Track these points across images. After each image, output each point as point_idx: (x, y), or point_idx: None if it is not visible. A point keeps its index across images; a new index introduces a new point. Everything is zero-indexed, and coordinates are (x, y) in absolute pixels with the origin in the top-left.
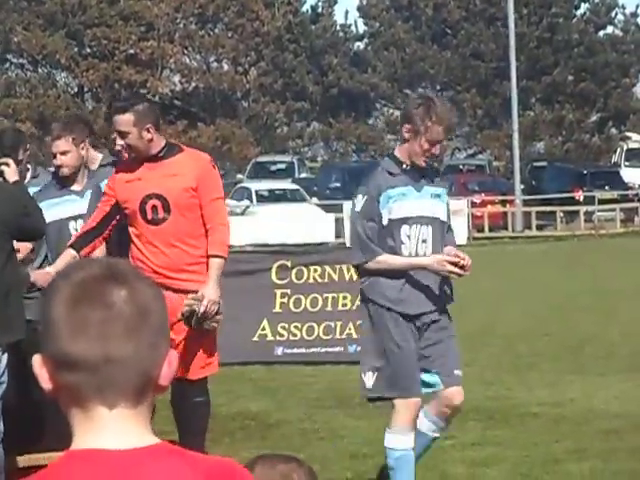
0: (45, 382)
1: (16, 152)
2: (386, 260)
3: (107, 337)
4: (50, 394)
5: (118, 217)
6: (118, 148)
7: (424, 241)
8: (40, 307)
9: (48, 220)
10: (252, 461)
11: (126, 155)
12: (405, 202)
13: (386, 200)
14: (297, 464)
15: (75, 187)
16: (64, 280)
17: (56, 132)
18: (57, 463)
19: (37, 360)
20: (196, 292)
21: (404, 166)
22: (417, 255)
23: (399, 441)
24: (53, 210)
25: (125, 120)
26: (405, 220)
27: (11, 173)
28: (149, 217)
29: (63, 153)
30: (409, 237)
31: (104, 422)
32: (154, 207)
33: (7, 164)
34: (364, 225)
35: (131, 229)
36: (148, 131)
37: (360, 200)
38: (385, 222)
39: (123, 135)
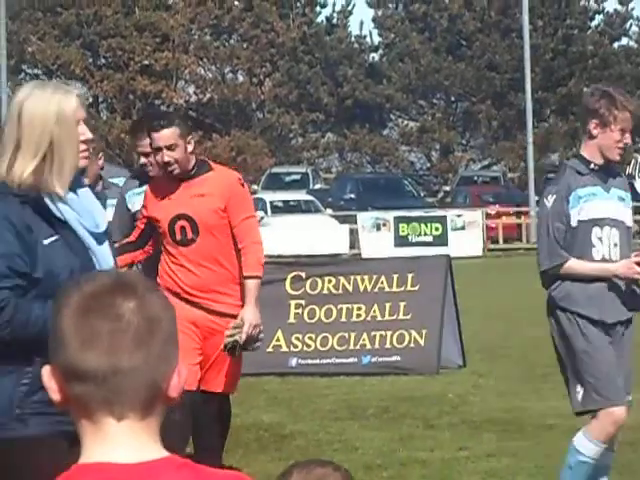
0: (54, 393)
1: None
2: (573, 266)
3: (116, 348)
4: (59, 406)
5: (154, 233)
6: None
7: (615, 245)
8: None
9: None
10: (288, 470)
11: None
12: (595, 202)
13: (576, 200)
14: (333, 467)
15: None
16: (74, 291)
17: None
18: (65, 476)
19: (46, 371)
20: (232, 316)
21: (592, 166)
22: (610, 260)
23: (587, 447)
24: None
25: (171, 133)
26: (596, 222)
27: None
28: (178, 238)
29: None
30: (601, 240)
31: (112, 434)
32: (182, 228)
33: None
34: (553, 227)
35: (163, 247)
36: (190, 143)
37: (550, 200)
38: (574, 223)
39: (171, 148)
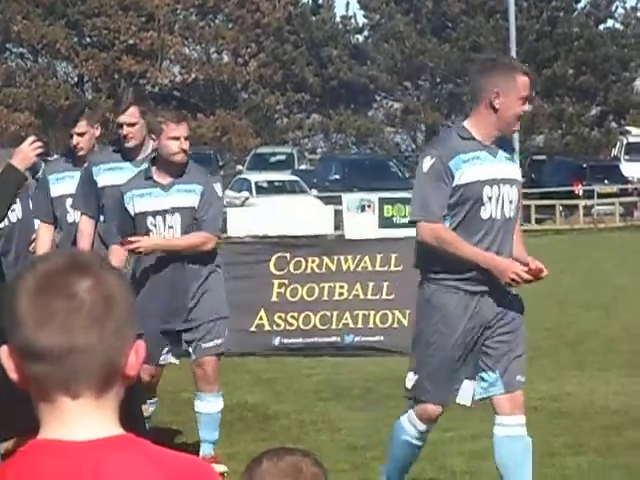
0: (12, 373)
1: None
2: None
3: (70, 327)
4: (19, 385)
5: None
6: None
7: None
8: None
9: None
10: (257, 459)
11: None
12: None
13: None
14: (302, 454)
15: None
16: (29, 271)
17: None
18: (20, 453)
19: (4, 351)
20: None
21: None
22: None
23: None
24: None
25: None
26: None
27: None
28: None
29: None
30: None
31: (67, 412)
32: None
33: None
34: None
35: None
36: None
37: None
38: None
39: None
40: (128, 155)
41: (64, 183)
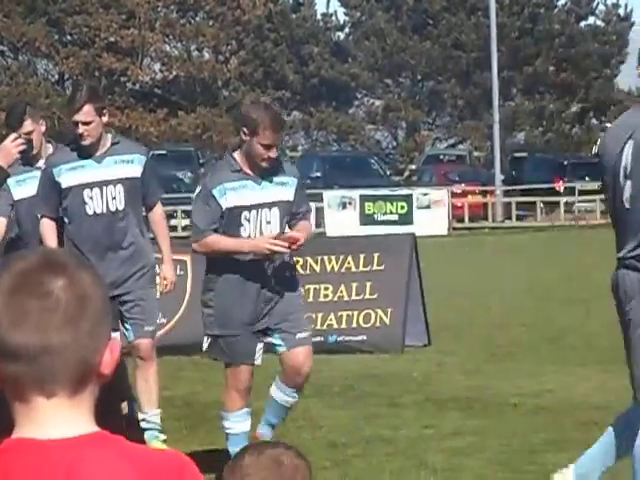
0: None
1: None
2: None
3: (45, 326)
4: None
5: None
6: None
7: (268, 222)
8: None
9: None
10: (239, 454)
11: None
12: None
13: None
14: (284, 447)
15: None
16: (4, 270)
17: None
18: None
19: None
20: None
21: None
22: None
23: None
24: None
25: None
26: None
27: None
28: None
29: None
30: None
31: (42, 411)
32: None
33: None
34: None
35: None
36: None
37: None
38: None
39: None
40: (87, 152)
41: (26, 185)
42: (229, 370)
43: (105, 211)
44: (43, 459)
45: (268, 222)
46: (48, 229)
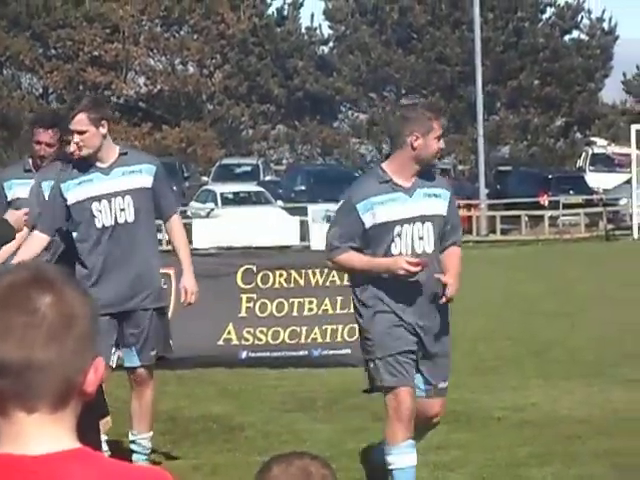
0: None
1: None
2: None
3: (29, 342)
4: None
5: None
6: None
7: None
8: None
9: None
10: (266, 465)
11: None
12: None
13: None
14: (310, 457)
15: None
16: None
17: None
18: None
19: None
20: None
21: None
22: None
23: None
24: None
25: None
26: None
27: None
28: None
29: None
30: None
31: (23, 427)
32: None
33: None
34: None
35: None
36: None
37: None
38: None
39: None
40: (92, 164)
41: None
42: (389, 397)
43: (114, 223)
44: (23, 474)
45: (421, 238)
46: (35, 244)
